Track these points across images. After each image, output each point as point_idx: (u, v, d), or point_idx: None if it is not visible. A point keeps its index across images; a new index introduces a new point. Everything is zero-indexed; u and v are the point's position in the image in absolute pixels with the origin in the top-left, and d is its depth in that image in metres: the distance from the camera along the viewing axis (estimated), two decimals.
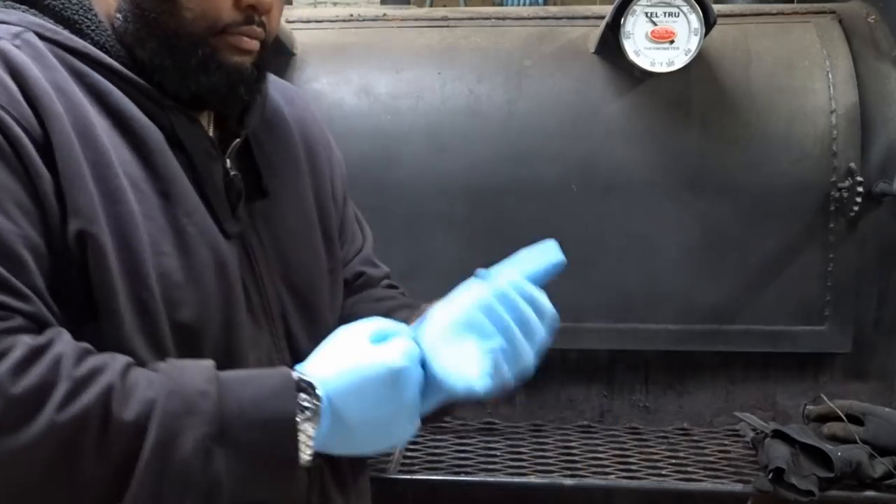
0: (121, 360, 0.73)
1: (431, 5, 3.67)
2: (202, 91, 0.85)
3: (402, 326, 0.82)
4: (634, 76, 1.64)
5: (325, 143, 1.08)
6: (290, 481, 0.75)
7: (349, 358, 0.78)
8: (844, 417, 1.45)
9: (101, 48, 0.83)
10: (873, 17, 1.73)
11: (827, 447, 1.38)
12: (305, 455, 0.75)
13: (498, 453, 1.54)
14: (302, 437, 0.74)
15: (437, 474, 1.45)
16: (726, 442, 1.60)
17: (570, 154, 1.64)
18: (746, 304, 1.64)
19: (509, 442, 1.60)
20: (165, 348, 0.78)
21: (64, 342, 0.71)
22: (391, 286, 1.14)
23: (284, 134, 1.01)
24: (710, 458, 1.51)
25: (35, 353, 0.68)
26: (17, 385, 0.66)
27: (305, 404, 0.75)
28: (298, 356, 0.88)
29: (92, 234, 0.74)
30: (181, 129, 0.84)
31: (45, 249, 0.74)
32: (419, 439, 1.60)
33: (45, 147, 0.75)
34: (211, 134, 0.91)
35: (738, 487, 1.40)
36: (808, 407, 1.56)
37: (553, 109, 1.66)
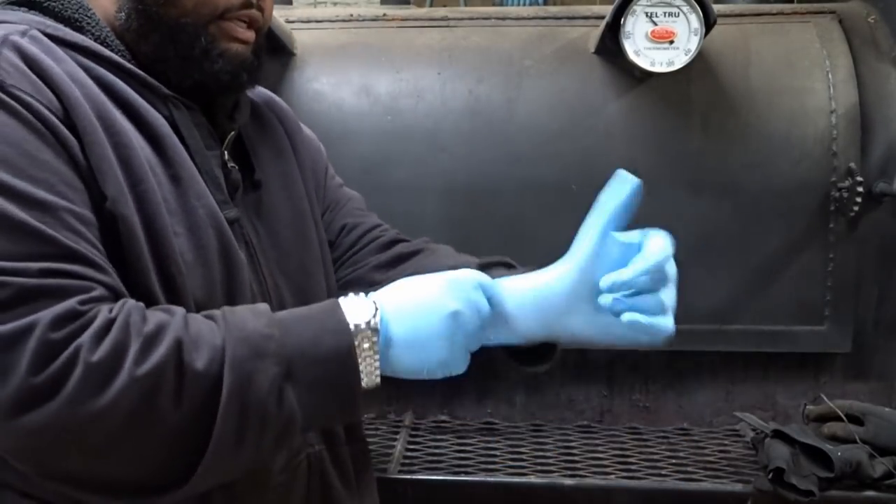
0: (178, 311, 0.76)
1: (431, 5, 3.67)
2: (206, 78, 0.89)
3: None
4: (634, 76, 1.64)
5: (304, 138, 1.13)
6: (356, 408, 0.81)
7: (416, 293, 0.83)
8: (844, 417, 1.45)
9: (102, 43, 0.86)
10: (873, 17, 1.73)
11: (827, 447, 1.38)
12: (373, 378, 0.80)
13: (498, 453, 1.54)
14: (366, 365, 0.79)
15: (437, 474, 1.45)
16: (726, 442, 1.60)
17: (570, 154, 1.64)
18: (746, 304, 1.64)
19: (509, 442, 1.60)
20: None
21: (130, 305, 0.74)
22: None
23: (271, 129, 1.05)
24: (710, 458, 1.51)
25: (110, 322, 0.71)
26: (96, 352, 0.69)
27: (364, 326, 0.79)
28: None
29: (122, 215, 0.77)
30: (180, 119, 0.88)
31: (98, 226, 0.77)
32: (419, 439, 1.60)
33: (73, 132, 0.77)
34: None
35: (738, 487, 1.39)
36: (808, 407, 1.56)
37: (553, 109, 1.66)
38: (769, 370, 1.68)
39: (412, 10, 1.98)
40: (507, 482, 1.44)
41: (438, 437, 1.62)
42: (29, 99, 0.75)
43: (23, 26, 0.81)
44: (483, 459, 1.51)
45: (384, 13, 1.85)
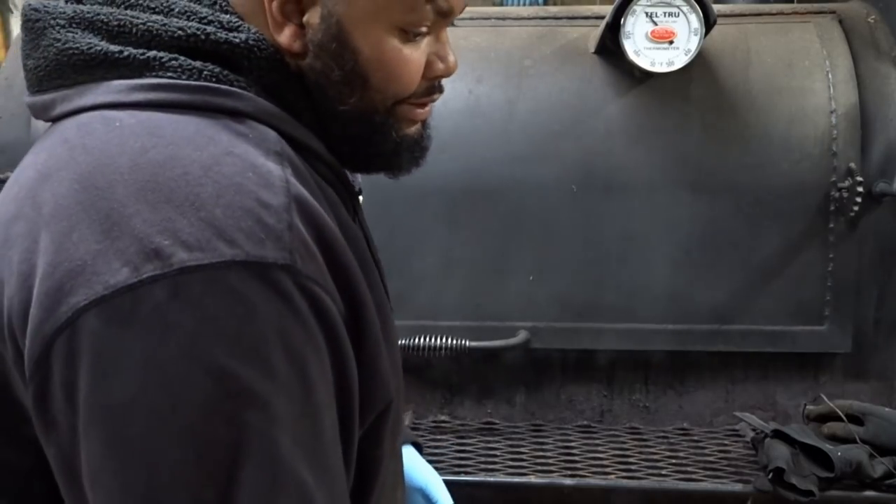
0: None
1: None
2: (383, 170, 0.80)
3: None
4: (634, 76, 1.64)
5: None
6: None
7: None
8: (844, 417, 1.45)
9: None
10: (873, 17, 1.73)
11: (827, 447, 1.38)
12: None
13: (498, 453, 1.54)
14: None
15: None
16: (726, 442, 1.60)
17: (570, 154, 1.64)
18: (746, 304, 1.64)
19: (509, 442, 1.59)
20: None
21: None
22: None
23: None
24: (710, 458, 1.51)
25: None
26: None
27: None
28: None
29: (390, 405, 0.72)
30: (364, 223, 0.80)
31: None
32: (419, 439, 1.60)
33: (352, 329, 0.65)
34: None
35: (738, 487, 1.40)
36: (808, 407, 1.56)
37: (553, 109, 1.66)
38: (769, 370, 1.68)
39: None
40: (507, 482, 1.43)
41: (438, 437, 1.62)
42: (325, 310, 0.61)
43: (272, 136, 0.65)
44: (483, 459, 1.51)
45: None
